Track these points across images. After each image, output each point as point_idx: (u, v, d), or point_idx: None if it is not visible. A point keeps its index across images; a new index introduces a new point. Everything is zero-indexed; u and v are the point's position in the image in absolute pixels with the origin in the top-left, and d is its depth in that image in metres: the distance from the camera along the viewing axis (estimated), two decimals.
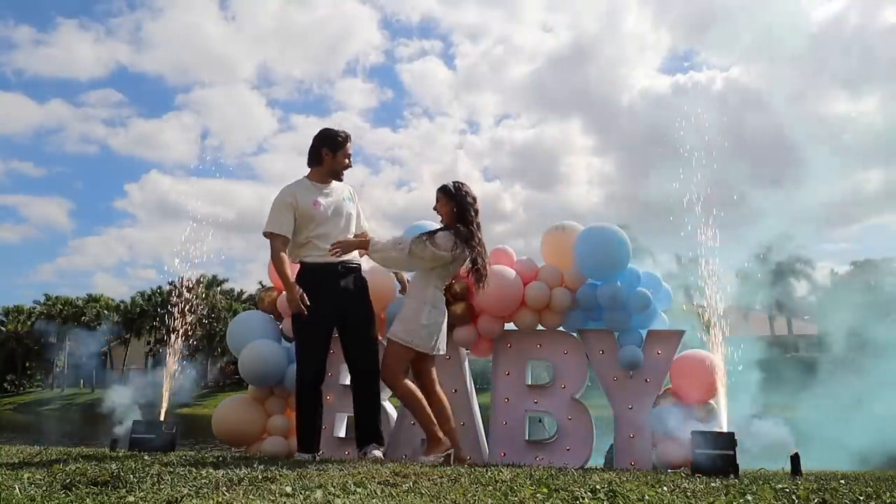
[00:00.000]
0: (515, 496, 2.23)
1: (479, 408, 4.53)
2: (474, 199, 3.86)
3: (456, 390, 4.45)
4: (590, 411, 4.29)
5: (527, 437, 4.34)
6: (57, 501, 2.06)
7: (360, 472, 2.70)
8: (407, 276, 4.22)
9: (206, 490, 2.22)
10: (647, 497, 2.26)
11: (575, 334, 4.44)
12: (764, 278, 41.15)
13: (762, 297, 41.97)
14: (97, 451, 4.05)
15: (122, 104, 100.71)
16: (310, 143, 4.08)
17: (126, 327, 52.91)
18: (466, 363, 4.62)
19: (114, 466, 2.75)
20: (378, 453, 3.71)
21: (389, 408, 4.57)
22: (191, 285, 4.67)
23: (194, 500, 2.06)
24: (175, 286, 4.64)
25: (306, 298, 3.74)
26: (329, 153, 4.00)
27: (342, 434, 4.60)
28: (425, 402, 3.76)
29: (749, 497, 2.30)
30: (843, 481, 2.91)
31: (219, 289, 50.96)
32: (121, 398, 4.41)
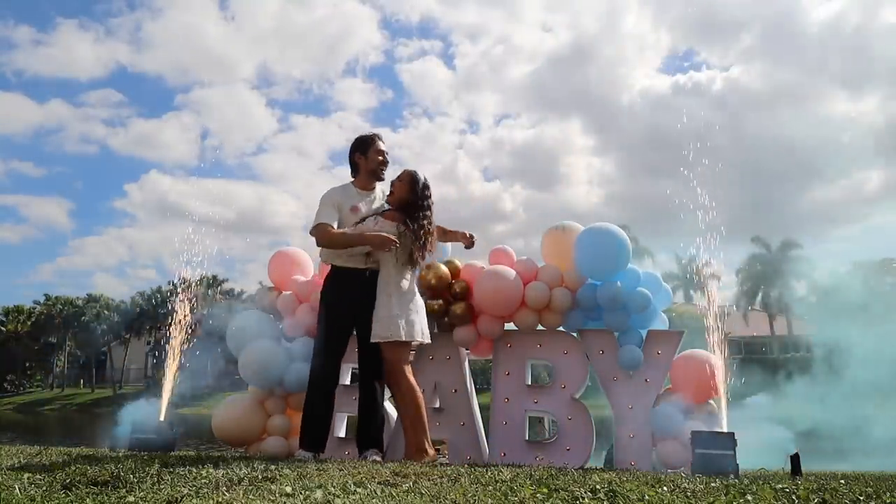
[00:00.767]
0: (515, 496, 2.23)
1: (479, 408, 4.53)
2: (430, 198, 3.88)
3: (456, 390, 4.45)
4: (590, 411, 4.29)
5: (527, 437, 4.34)
6: (57, 501, 2.06)
7: (360, 472, 2.70)
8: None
9: (206, 490, 2.22)
10: (647, 497, 2.26)
11: (575, 334, 4.44)
12: (764, 278, 41.22)
13: (762, 297, 42.07)
14: (97, 451, 4.05)
15: (122, 104, 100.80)
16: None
17: (126, 327, 52.89)
18: (466, 363, 4.62)
19: (114, 466, 2.74)
20: (377, 458, 3.73)
21: (390, 409, 4.57)
22: (191, 286, 4.66)
23: (194, 500, 2.06)
24: (175, 286, 4.64)
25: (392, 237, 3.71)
26: (361, 157, 4.04)
27: (342, 434, 4.60)
28: (424, 409, 3.74)
29: (749, 497, 2.30)
30: (843, 481, 2.91)
31: (219, 289, 50.95)
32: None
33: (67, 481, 2.39)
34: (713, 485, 2.64)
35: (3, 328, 55.97)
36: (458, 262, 4.60)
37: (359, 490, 2.27)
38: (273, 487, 2.27)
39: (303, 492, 2.19)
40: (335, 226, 3.89)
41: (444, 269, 4.46)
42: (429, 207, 3.86)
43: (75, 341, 55.89)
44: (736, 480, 2.86)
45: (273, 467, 2.83)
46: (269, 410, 4.55)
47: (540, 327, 4.44)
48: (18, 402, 50.64)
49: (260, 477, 2.53)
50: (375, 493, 2.24)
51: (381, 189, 4.13)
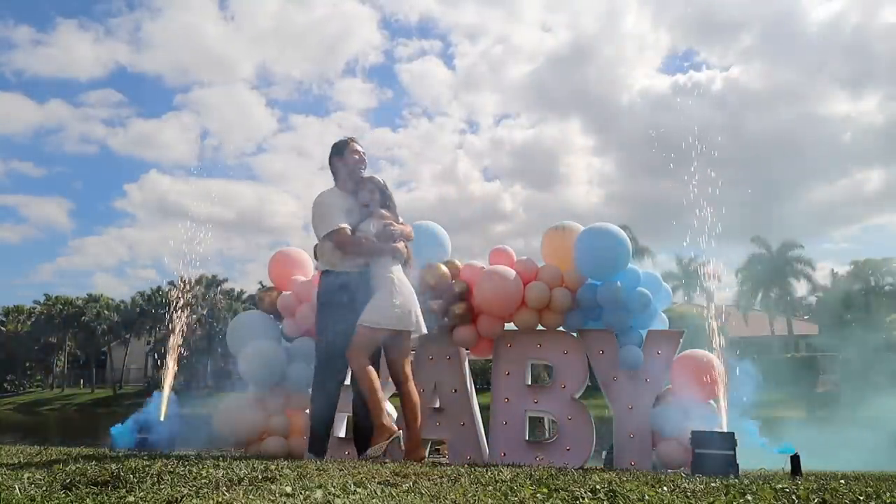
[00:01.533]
0: (515, 496, 2.23)
1: (479, 408, 4.53)
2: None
3: (456, 390, 4.45)
4: (590, 411, 4.29)
5: (527, 437, 4.35)
6: (57, 501, 2.06)
7: (360, 472, 2.71)
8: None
9: (206, 490, 2.21)
10: (647, 497, 2.26)
11: (575, 334, 4.44)
12: (764, 278, 41.24)
13: (762, 296, 42.09)
14: (97, 451, 4.05)
15: (122, 104, 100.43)
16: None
17: (126, 327, 52.90)
18: (466, 363, 4.62)
19: (114, 466, 2.74)
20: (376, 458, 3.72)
21: (390, 408, 4.57)
22: (191, 285, 4.67)
23: (194, 500, 2.06)
24: (175, 286, 4.64)
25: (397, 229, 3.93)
26: (339, 160, 4.11)
27: (342, 434, 4.60)
28: (380, 390, 3.75)
29: (749, 497, 2.30)
30: (843, 481, 2.91)
31: (219, 289, 50.95)
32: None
33: (67, 481, 2.39)
34: (713, 485, 2.64)
35: (3, 328, 55.96)
36: (458, 262, 4.60)
37: (359, 490, 2.27)
38: (273, 487, 2.27)
39: (303, 492, 2.19)
40: (345, 222, 3.92)
41: (444, 269, 4.46)
42: (394, 202, 4.11)
43: (75, 341, 55.87)
44: (736, 480, 2.86)
45: (273, 467, 2.83)
46: (269, 410, 4.55)
47: (540, 327, 4.44)
48: (18, 402, 50.62)
49: (260, 477, 2.53)
50: (375, 493, 2.24)
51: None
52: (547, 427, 4.79)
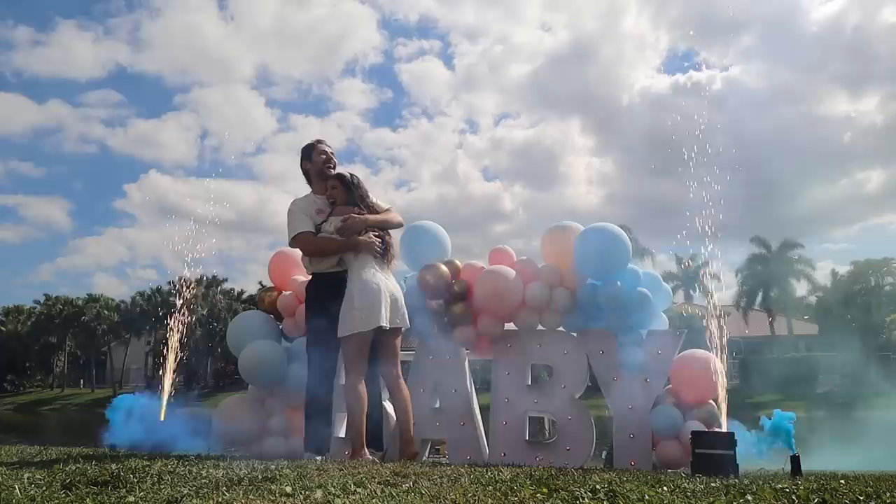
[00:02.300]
0: (515, 496, 2.23)
1: (479, 408, 4.53)
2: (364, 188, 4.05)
3: (456, 390, 4.45)
4: (590, 411, 4.29)
5: (527, 437, 4.34)
6: (57, 501, 2.06)
7: (360, 472, 2.70)
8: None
9: (206, 490, 2.21)
10: (647, 497, 2.26)
11: (575, 334, 4.44)
12: (764, 278, 41.22)
13: (762, 296, 42.07)
14: (97, 451, 4.05)
15: (121, 104, 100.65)
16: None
17: (126, 327, 52.89)
18: (466, 363, 4.61)
19: (114, 466, 2.74)
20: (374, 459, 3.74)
21: (389, 408, 4.57)
22: (191, 286, 4.67)
23: (194, 500, 2.06)
24: (175, 286, 4.64)
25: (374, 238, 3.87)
26: (307, 162, 4.19)
27: (342, 434, 4.60)
28: (362, 412, 3.71)
29: (749, 497, 2.30)
30: (843, 481, 2.91)
31: (219, 289, 50.95)
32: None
33: (67, 481, 2.39)
34: (713, 485, 2.64)
35: (3, 328, 55.96)
36: (458, 262, 4.60)
37: (359, 490, 2.27)
38: (273, 487, 2.27)
39: (303, 492, 2.19)
40: (312, 227, 3.95)
41: (444, 268, 4.46)
42: (367, 196, 4.03)
43: (75, 341, 55.86)
44: (736, 480, 2.86)
45: (273, 467, 2.83)
46: (269, 410, 4.55)
47: (540, 327, 4.44)
48: (18, 402, 50.62)
49: (260, 477, 2.52)
50: (375, 493, 2.23)
51: None
52: (547, 427, 4.79)
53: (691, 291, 41.65)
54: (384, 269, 3.90)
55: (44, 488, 2.28)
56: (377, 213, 4.01)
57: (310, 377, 3.93)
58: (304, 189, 4.25)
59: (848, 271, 42.66)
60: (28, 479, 2.47)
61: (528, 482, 2.55)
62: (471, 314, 4.41)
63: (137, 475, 2.53)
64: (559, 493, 2.30)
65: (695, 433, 3.44)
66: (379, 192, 4.23)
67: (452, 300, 4.41)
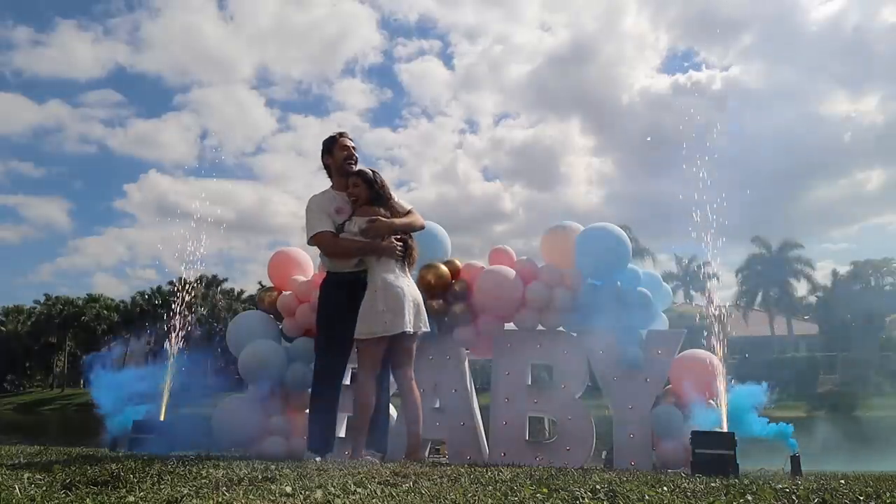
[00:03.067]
0: (515, 496, 2.23)
1: (479, 408, 4.53)
2: (387, 188, 3.95)
3: (456, 390, 4.45)
4: (590, 411, 4.29)
5: (527, 437, 4.34)
6: (57, 501, 2.06)
7: (360, 472, 2.70)
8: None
9: (206, 490, 2.21)
10: (647, 497, 2.26)
11: (575, 334, 4.44)
12: (764, 278, 41.23)
13: (762, 296, 42.07)
14: (97, 451, 4.05)
15: (121, 104, 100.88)
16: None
17: (126, 327, 52.90)
18: (466, 363, 4.61)
19: (114, 466, 2.74)
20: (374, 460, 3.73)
21: (393, 411, 4.57)
22: (191, 285, 4.67)
23: (194, 500, 2.05)
24: (175, 286, 4.64)
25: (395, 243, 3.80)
26: (329, 157, 4.07)
27: (342, 434, 4.60)
28: (367, 413, 3.72)
29: (749, 497, 2.30)
30: (843, 481, 2.91)
31: (219, 289, 50.95)
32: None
33: (67, 481, 2.39)
34: (713, 485, 2.64)
35: (3, 328, 55.97)
36: (458, 262, 4.60)
37: (359, 490, 2.27)
38: (273, 487, 2.27)
39: (303, 492, 2.19)
40: (332, 226, 3.87)
41: (444, 269, 4.46)
42: (390, 197, 3.93)
43: (75, 341, 55.87)
44: (736, 480, 2.86)
45: (273, 467, 2.83)
46: (269, 410, 4.55)
47: (540, 327, 4.44)
48: (18, 402, 50.62)
49: (260, 477, 2.52)
50: (375, 493, 2.23)
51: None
52: (547, 427, 4.79)
53: (691, 291, 41.68)
54: (405, 272, 3.85)
55: (44, 488, 2.27)
56: (399, 213, 3.91)
57: (317, 376, 3.91)
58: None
59: (848, 271, 42.69)
60: (28, 479, 2.47)
61: (528, 482, 2.55)
62: (471, 314, 4.41)
63: (137, 475, 2.53)
64: (559, 493, 2.30)
65: (695, 433, 3.44)
66: None
67: (452, 300, 4.41)
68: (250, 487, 2.28)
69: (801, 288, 42.44)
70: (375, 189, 3.86)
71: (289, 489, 2.22)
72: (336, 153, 4.03)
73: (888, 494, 2.43)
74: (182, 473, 2.63)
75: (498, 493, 2.27)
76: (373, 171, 3.92)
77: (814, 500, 2.29)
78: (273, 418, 4.51)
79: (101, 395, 4.53)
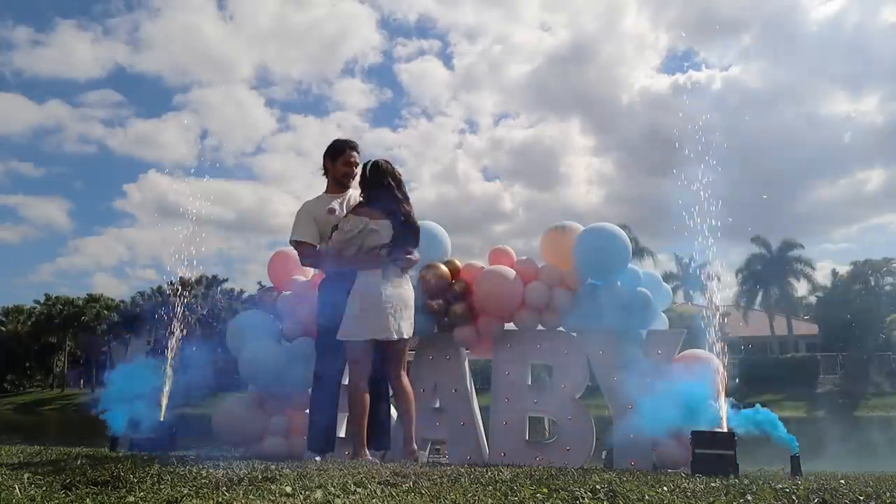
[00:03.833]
0: (515, 496, 2.23)
1: (479, 408, 4.53)
2: (389, 178, 3.75)
3: (456, 390, 4.45)
4: (590, 411, 4.29)
5: (527, 437, 4.34)
6: (57, 501, 2.06)
7: (360, 472, 2.70)
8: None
9: (206, 490, 2.21)
10: (647, 497, 2.26)
11: (575, 334, 4.44)
12: (764, 278, 41.21)
13: (762, 296, 42.06)
14: (97, 451, 4.05)
15: (121, 104, 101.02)
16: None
17: (126, 327, 52.89)
18: (466, 363, 4.61)
19: (114, 466, 2.74)
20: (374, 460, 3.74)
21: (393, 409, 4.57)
22: (191, 285, 4.67)
23: (194, 500, 2.05)
24: (175, 286, 4.64)
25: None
26: (330, 162, 4.09)
27: (342, 434, 4.59)
28: (366, 414, 3.69)
29: (749, 497, 2.30)
30: (843, 481, 2.91)
31: (219, 289, 50.93)
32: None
33: (67, 481, 2.39)
34: (713, 485, 2.64)
35: (3, 328, 55.96)
36: (458, 262, 4.60)
37: (359, 490, 2.27)
38: (273, 487, 2.27)
39: (303, 492, 2.19)
40: (314, 238, 3.94)
41: (444, 269, 4.46)
42: (392, 187, 3.73)
43: (75, 341, 55.87)
44: (736, 480, 2.86)
45: (273, 467, 2.83)
46: (269, 410, 4.55)
47: (540, 327, 4.44)
48: (18, 402, 50.61)
49: (260, 477, 2.52)
50: (375, 493, 2.23)
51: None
52: (547, 427, 4.79)
53: (691, 291, 41.65)
54: (397, 275, 3.77)
55: (44, 488, 2.27)
56: (400, 203, 3.76)
57: (316, 376, 3.92)
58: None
59: (848, 271, 42.67)
60: (28, 479, 2.47)
61: (528, 482, 2.55)
62: (471, 314, 4.41)
63: (137, 475, 2.53)
64: (559, 493, 2.30)
65: (695, 433, 3.44)
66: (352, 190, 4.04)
67: (452, 300, 4.41)
68: (250, 487, 2.28)
69: (801, 288, 42.48)
70: (367, 180, 3.78)
71: (289, 489, 2.22)
72: (339, 165, 4.06)
73: (888, 494, 2.44)
74: (182, 473, 2.63)
75: (498, 493, 2.27)
76: (370, 162, 3.81)
77: (814, 500, 2.29)
78: (273, 418, 4.51)
79: (106, 395, 4.52)
